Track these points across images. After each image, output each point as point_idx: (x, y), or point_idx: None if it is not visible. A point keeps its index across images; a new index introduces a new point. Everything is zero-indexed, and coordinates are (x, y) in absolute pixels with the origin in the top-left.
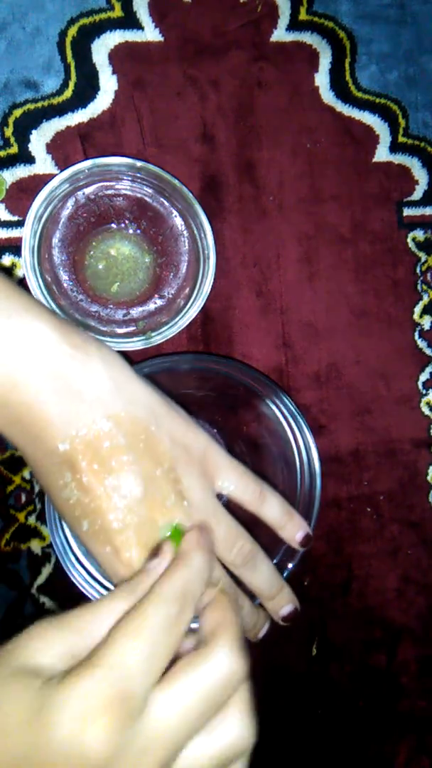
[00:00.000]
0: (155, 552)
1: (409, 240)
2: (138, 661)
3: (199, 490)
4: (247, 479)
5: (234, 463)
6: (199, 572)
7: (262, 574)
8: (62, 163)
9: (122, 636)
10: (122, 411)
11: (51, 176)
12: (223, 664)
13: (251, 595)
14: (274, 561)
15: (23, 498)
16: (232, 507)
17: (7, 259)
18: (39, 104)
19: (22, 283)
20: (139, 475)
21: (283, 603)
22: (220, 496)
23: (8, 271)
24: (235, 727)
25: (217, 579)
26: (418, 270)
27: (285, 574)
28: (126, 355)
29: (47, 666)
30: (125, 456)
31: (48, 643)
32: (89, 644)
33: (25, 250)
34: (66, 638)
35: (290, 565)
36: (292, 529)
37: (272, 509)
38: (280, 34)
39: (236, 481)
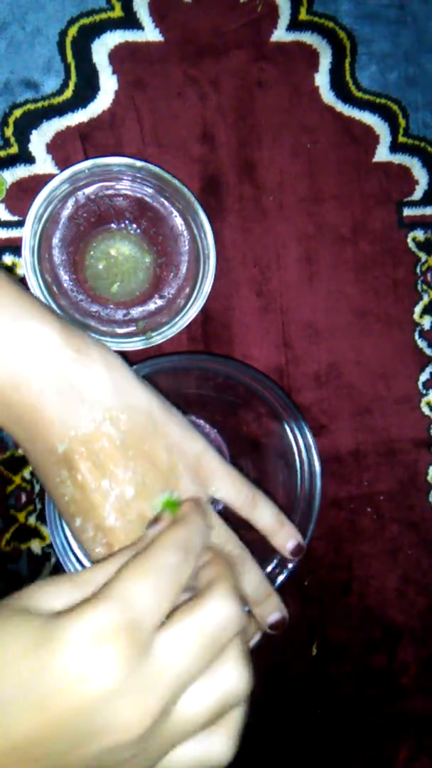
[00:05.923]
0: (154, 520)
1: (409, 240)
2: (146, 595)
3: (191, 494)
4: (240, 485)
5: (228, 469)
6: (199, 530)
7: (251, 579)
8: (62, 163)
9: (130, 573)
10: (121, 413)
11: (51, 176)
12: (221, 608)
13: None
14: (272, 566)
15: (23, 498)
16: (227, 514)
17: (8, 259)
18: (39, 104)
19: (21, 282)
20: (133, 475)
21: (270, 610)
22: (215, 503)
23: (8, 271)
24: (233, 674)
25: (213, 545)
26: (418, 270)
27: (284, 576)
28: (126, 355)
29: (56, 608)
30: (121, 457)
31: (59, 590)
32: None
33: (25, 250)
34: (76, 589)
35: (290, 565)
36: (284, 538)
37: (264, 516)
38: (280, 34)
39: (229, 486)
